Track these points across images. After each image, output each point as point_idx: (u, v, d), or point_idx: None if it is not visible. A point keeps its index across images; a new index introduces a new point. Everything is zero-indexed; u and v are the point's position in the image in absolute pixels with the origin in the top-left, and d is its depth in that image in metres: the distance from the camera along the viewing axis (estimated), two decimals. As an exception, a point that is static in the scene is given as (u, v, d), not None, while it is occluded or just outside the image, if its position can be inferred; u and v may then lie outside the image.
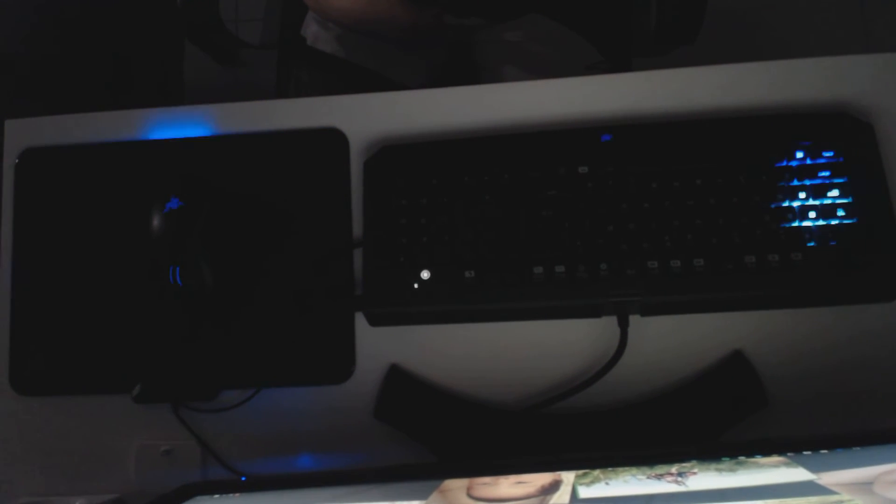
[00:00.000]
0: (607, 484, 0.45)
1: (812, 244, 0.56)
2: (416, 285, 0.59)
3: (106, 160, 0.67)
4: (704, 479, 0.44)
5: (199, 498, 0.51)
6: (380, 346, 0.61)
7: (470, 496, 0.46)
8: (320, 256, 0.63)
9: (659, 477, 0.45)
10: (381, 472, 0.52)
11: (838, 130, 0.59)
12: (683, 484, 0.43)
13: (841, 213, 0.57)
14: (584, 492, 0.44)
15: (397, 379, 0.61)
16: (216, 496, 0.51)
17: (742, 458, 0.45)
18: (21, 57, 0.99)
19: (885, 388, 0.57)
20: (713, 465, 0.45)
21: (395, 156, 0.63)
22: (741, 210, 0.57)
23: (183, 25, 1.01)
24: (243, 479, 0.58)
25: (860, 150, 0.58)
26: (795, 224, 0.57)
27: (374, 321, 0.61)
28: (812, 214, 0.57)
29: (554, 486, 0.45)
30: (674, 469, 0.45)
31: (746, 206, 0.57)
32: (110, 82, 1.03)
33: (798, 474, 0.42)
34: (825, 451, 0.44)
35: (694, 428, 0.57)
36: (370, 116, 0.66)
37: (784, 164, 0.58)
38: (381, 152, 0.63)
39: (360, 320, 0.62)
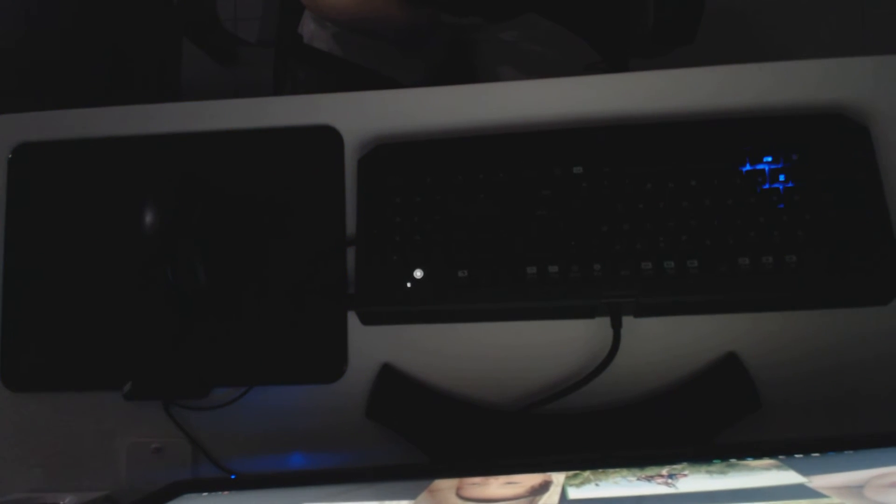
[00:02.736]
0: (597, 485, 0.44)
1: (806, 246, 0.56)
2: (409, 284, 0.58)
3: (99, 155, 0.67)
4: (695, 481, 0.44)
5: (187, 496, 0.51)
6: (372, 345, 0.61)
7: (459, 496, 0.46)
8: (313, 254, 0.63)
9: (649, 479, 0.45)
10: (370, 472, 0.52)
11: (834, 132, 0.59)
12: (673, 486, 0.43)
13: (835, 215, 0.56)
14: (574, 493, 0.44)
15: (389, 378, 0.60)
16: (205, 494, 0.51)
17: (733, 461, 0.45)
18: (19, 53, 0.98)
19: (879, 392, 0.56)
20: (704, 468, 0.45)
21: (390, 154, 0.63)
22: (736, 211, 0.57)
23: (180, 23, 1.01)
24: (233, 477, 0.58)
25: (856, 152, 0.58)
26: (790, 226, 0.56)
27: (367, 320, 0.61)
28: (807, 217, 0.56)
29: (544, 487, 0.45)
30: (664, 471, 0.45)
31: (741, 207, 0.57)
32: (108, 80, 1.03)
33: (789, 477, 0.42)
34: (816, 455, 0.44)
35: (686, 430, 0.57)
36: (365, 114, 0.66)
37: (780, 165, 0.58)
38: (376, 150, 0.63)
39: (353, 319, 0.62)
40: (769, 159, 0.58)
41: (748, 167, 0.58)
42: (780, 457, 0.44)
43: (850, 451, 0.44)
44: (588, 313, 0.59)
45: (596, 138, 0.61)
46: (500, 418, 0.59)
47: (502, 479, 0.47)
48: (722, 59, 0.64)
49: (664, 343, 0.59)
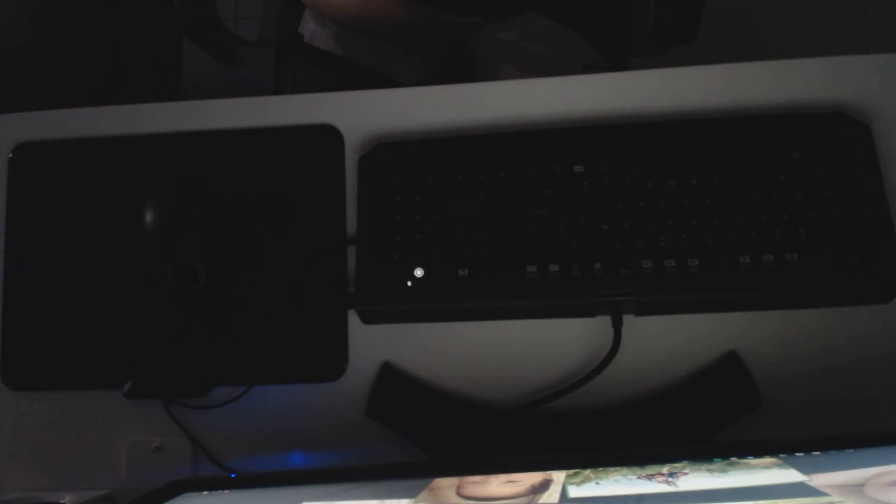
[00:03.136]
0: (597, 484, 0.44)
1: (808, 245, 0.56)
2: (409, 283, 0.58)
3: (99, 155, 0.67)
4: (695, 479, 0.44)
5: (187, 494, 0.51)
6: (373, 343, 0.61)
7: (460, 495, 0.46)
8: (314, 253, 0.63)
9: (650, 477, 0.44)
10: (371, 470, 0.52)
11: (835, 131, 0.59)
12: (674, 484, 0.43)
13: (837, 213, 0.56)
14: (574, 491, 0.44)
15: (390, 377, 0.60)
16: (205, 493, 0.51)
17: (734, 459, 0.45)
18: (18, 53, 0.98)
19: (880, 390, 0.56)
20: (704, 466, 0.45)
21: (390, 153, 0.63)
22: (736, 210, 0.57)
23: (181, 23, 1.01)
24: (233, 476, 0.58)
25: (857, 150, 0.58)
26: (791, 224, 0.56)
27: (367, 319, 0.61)
28: (808, 215, 0.56)
29: (544, 486, 0.45)
30: (665, 469, 0.45)
31: (742, 206, 0.57)
32: (108, 80, 1.03)
33: (789, 475, 0.42)
34: (817, 453, 0.44)
35: (687, 428, 0.57)
36: (365, 113, 0.66)
37: (780, 164, 0.58)
38: (376, 149, 0.63)
39: (353, 318, 0.62)
40: (770, 158, 0.58)
41: (749, 166, 0.58)
42: (781, 455, 0.44)
43: (851, 450, 0.44)
44: (589, 312, 0.59)
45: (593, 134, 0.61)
46: (501, 417, 0.59)
47: (503, 477, 0.47)
48: (722, 58, 0.64)
49: (665, 341, 0.59)
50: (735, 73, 0.63)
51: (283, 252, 0.63)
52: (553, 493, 0.44)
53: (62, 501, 0.58)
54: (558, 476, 0.46)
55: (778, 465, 0.43)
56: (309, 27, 0.90)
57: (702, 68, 0.64)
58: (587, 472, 0.46)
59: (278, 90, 0.92)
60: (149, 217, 0.60)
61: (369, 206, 0.61)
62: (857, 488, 0.39)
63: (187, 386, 0.62)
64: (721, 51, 0.73)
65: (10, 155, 0.67)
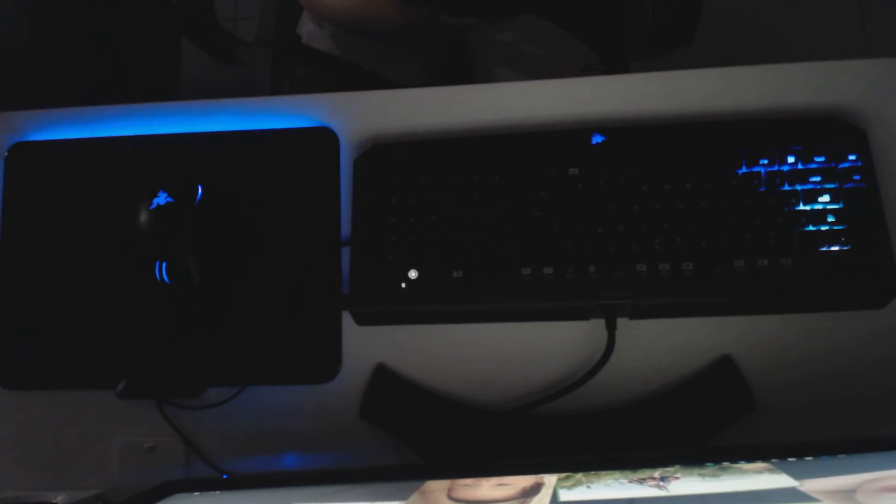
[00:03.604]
0: (588, 487, 0.44)
1: (802, 249, 0.55)
2: (403, 285, 0.58)
3: (95, 155, 0.67)
4: (687, 484, 0.44)
5: (179, 495, 0.51)
6: (366, 345, 0.61)
7: (450, 498, 0.46)
8: (308, 254, 0.63)
9: (641, 481, 0.44)
10: (361, 473, 0.52)
11: (831, 135, 0.59)
12: (665, 489, 0.43)
13: (832, 218, 0.56)
14: (565, 495, 0.43)
15: (383, 379, 0.60)
16: (196, 494, 0.51)
17: (726, 464, 0.45)
18: (17, 53, 0.99)
19: (873, 396, 0.56)
20: (696, 470, 0.45)
21: (386, 154, 0.63)
22: (731, 214, 0.57)
23: (179, 23, 1.01)
24: (225, 476, 0.58)
25: (853, 155, 0.58)
26: (786, 229, 0.56)
27: (361, 320, 0.61)
28: (803, 219, 0.56)
29: (535, 489, 0.45)
30: (656, 473, 0.45)
31: (737, 210, 0.57)
32: (106, 79, 1.03)
33: (781, 481, 0.42)
34: (809, 458, 0.44)
35: (681, 432, 0.57)
36: (361, 114, 0.66)
37: (776, 168, 0.58)
38: (372, 150, 0.63)
39: (347, 319, 0.61)
40: (765, 162, 0.58)
41: (744, 169, 0.58)
42: (773, 460, 0.44)
43: (843, 455, 0.43)
44: (583, 315, 0.59)
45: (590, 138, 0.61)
46: (494, 420, 0.59)
47: (494, 480, 0.47)
48: (720, 61, 0.64)
49: (659, 345, 0.59)
50: (732, 77, 0.63)
51: (277, 253, 0.63)
52: (544, 497, 0.43)
53: (54, 501, 0.58)
54: (550, 479, 0.46)
55: (770, 471, 0.43)
56: (307, 28, 0.89)
57: (699, 72, 0.64)
58: (578, 475, 0.46)
59: (275, 91, 0.92)
60: (143, 217, 0.60)
61: (364, 207, 0.61)
62: (849, 494, 0.39)
63: (180, 386, 0.61)
64: (718, 54, 0.73)
65: (6, 154, 0.67)
